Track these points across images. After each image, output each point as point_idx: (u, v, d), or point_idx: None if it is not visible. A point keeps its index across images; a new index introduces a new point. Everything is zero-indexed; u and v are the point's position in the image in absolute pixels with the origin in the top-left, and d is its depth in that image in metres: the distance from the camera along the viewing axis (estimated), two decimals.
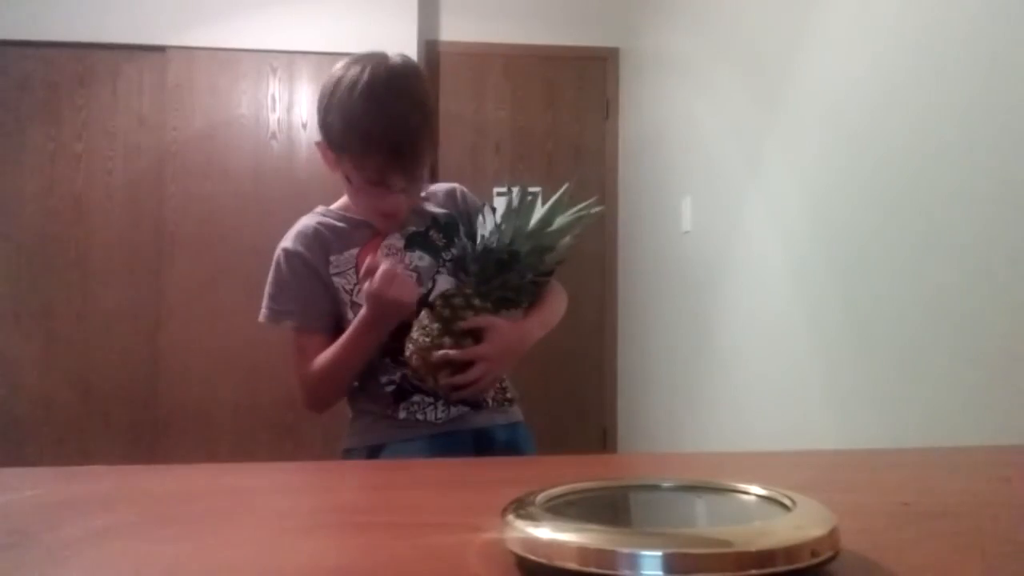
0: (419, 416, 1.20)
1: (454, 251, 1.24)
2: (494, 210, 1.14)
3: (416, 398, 1.20)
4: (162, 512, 0.54)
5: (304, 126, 3.58)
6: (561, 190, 1.14)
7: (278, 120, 3.58)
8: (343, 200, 1.28)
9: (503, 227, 1.11)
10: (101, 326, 3.52)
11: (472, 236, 1.18)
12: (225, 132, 3.56)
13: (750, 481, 0.44)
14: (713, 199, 2.64)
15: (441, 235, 1.26)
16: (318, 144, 1.21)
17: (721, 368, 2.52)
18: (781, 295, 2.10)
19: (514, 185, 1.17)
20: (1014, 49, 1.26)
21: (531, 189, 1.28)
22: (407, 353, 1.12)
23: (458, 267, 1.19)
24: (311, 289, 1.20)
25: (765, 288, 2.21)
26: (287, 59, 3.61)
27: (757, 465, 0.72)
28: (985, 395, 1.31)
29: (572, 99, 3.90)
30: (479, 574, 0.38)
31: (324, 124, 1.17)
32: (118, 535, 0.47)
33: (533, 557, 0.36)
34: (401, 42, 3.47)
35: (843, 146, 1.80)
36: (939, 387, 1.43)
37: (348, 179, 1.19)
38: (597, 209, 1.16)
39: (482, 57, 3.86)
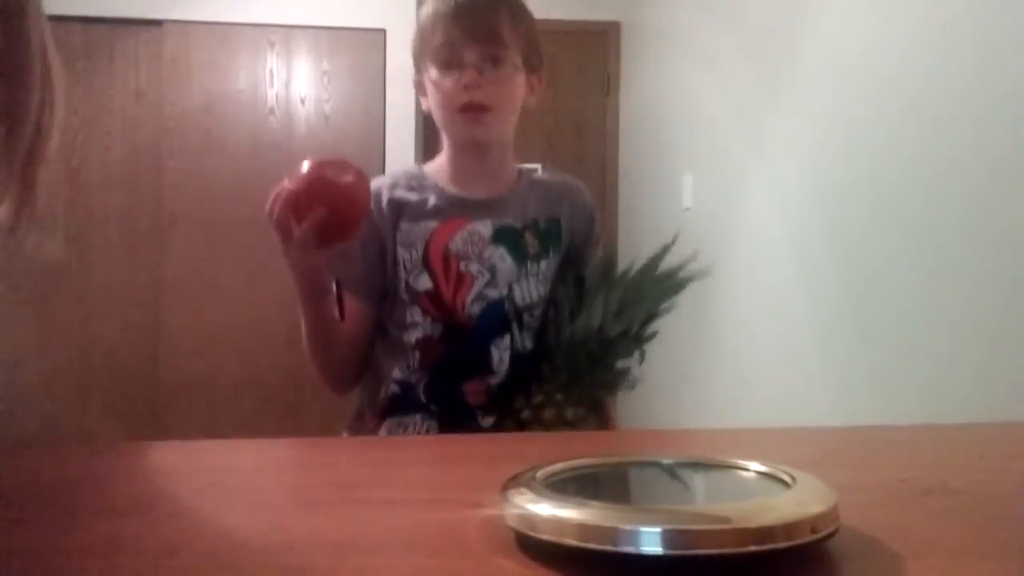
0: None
1: (542, 265, 1.04)
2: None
3: (410, 419, 1.03)
4: (162, 489, 0.54)
5: (303, 101, 3.55)
6: (658, 251, 0.97)
7: (276, 95, 3.55)
8: (440, 165, 1.10)
9: (592, 306, 0.92)
10: (101, 302, 3.52)
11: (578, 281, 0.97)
12: (223, 107, 3.53)
13: (750, 457, 0.44)
14: (714, 176, 2.63)
15: (537, 241, 1.05)
16: (415, 84, 1.09)
17: (720, 345, 2.52)
18: (781, 272, 2.10)
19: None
20: (1018, 24, 1.25)
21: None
22: None
23: (545, 356, 0.98)
24: (362, 248, 1.03)
25: (765, 265, 2.20)
26: (285, 33, 3.58)
27: (756, 441, 0.72)
28: (984, 372, 1.31)
29: (572, 74, 3.86)
30: (479, 550, 0.38)
31: (412, 54, 1.07)
32: (118, 511, 0.47)
33: (533, 533, 0.36)
34: (399, 16, 3.43)
35: (845, 122, 1.78)
36: (937, 364, 1.43)
37: (429, 95, 1.04)
38: (699, 271, 0.96)
39: None
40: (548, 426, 0.92)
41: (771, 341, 2.16)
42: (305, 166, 0.87)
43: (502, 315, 1.01)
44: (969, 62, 1.37)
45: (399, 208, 1.04)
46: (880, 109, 1.64)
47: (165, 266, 3.50)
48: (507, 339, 1.01)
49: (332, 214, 0.85)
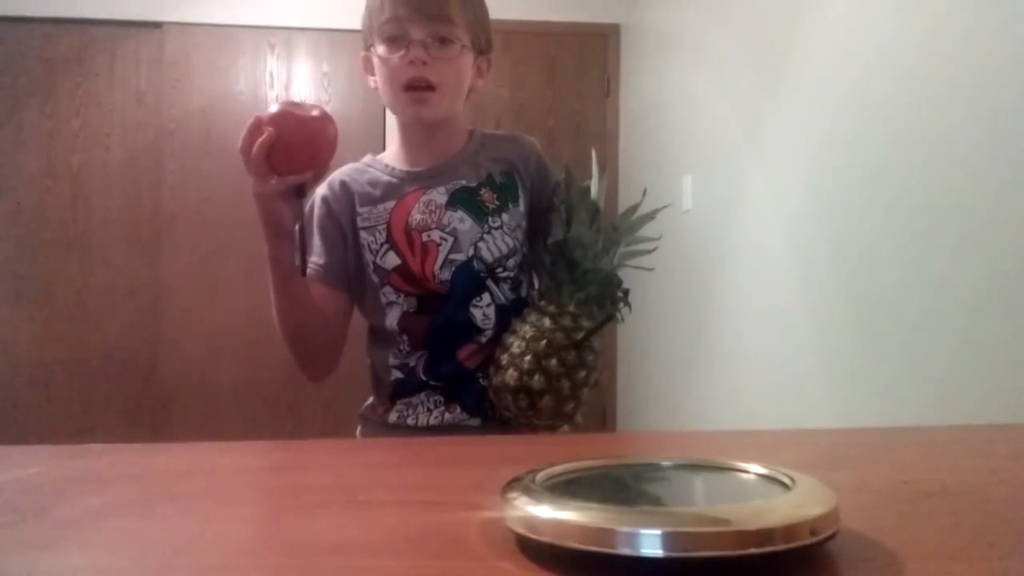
0: (410, 421, 1.05)
1: (504, 217, 1.05)
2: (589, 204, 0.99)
3: (416, 398, 1.05)
4: (162, 490, 0.54)
5: None
6: (634, 204, 1.03)
7: (276, 97, 3.56)
8: (393, 148, 1.13)
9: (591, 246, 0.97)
10: (101, 304, 3.52)
11: (543, 226, 1.01)
12: (223, 109, 3.53)
13: (750, 459, 0.44)
14: (714, 178, 2.63)
15: (495, 196, 1.06)
16: (362, 61, 1.09)
17: (720, 347, 2.52)
18: (781, 274, 2.10)
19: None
20: (1015, 23, 1.25)
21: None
22: (503, 360, 0.94)
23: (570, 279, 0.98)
24: (323, 237, 1.07)
25: (765, 267, 2.20)
26: (285, 35, 3.58)
27: (757, 443, 0.72)
28: (985, 373, 1.31)
29: (572, 76, 3.86)
30: (479, 552, 0.38)
31: (361, 31, 1.08)
32: (118, 513, 0.47)
33: (533, 535, 0.36)
34: None
35: (845, 123, 1.78)
36: (938, 365, 1.43)
37: (376, 72, 1.05)
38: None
39: None
40: (575, 318, 0.93)
41: (771, 342, 2.16)
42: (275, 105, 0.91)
43: (473, 275, 1.03)
44: (971, 62, 1.37)
45: (354, 195, 1.06)
46: (880, 110, 1.64)
47: (165, 266, 3.50)
48: (486, 297, 1.03)
49: (288, 142, 0.88)
